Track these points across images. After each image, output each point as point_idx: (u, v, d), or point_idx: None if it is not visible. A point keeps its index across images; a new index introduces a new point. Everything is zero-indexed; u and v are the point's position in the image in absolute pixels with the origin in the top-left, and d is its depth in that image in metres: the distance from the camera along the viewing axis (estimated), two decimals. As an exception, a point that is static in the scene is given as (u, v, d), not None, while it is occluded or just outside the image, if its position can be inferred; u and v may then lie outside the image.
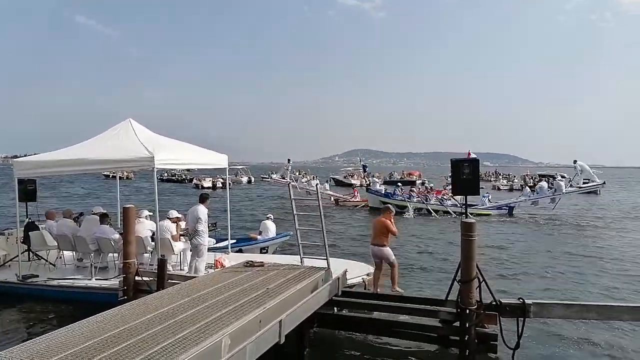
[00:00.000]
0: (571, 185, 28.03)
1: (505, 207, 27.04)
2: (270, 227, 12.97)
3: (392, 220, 8.78)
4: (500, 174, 74.60)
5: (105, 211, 10.29)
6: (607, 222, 23.84)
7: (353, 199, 32.56)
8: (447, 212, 26.11)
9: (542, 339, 7.36)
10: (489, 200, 27.76)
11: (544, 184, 29.96)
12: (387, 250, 8.46)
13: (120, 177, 14.95)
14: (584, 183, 28.86)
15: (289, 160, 43.23)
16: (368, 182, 61.70)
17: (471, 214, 25.39)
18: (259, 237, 12.86)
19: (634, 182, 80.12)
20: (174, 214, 9.74)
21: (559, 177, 38.87)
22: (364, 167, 46.84)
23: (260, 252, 11.86)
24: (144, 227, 9.22)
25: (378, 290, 8.18)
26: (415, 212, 26.01)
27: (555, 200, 27.05)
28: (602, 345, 7.19)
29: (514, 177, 66.02)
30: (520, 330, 6.46)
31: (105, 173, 58.96)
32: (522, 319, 6.49)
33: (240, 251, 11.31)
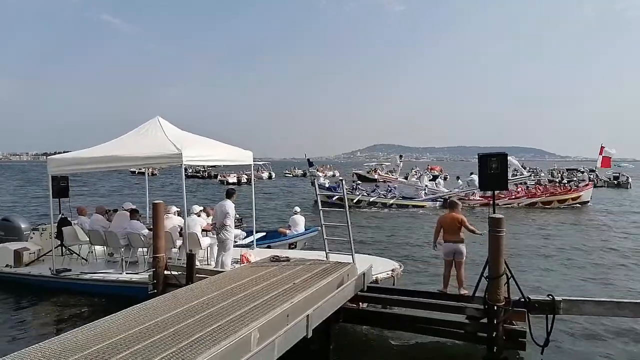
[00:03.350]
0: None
1: (440, 199, 27.70)
2: (299, 222, 12.95)
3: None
4: (526, 168, 73.03)
5: (135, 207, 10.53)
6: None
7: (472, 197, 29.74)
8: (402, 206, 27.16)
9: (571, 336, 7.23)
10: (425, 193, 29.28)
11: (475, 176, 29.84)
12: (463, 246, 7.98)
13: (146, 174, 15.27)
14: (512, 176, 28.94)
15: (400, 156, 42.36)
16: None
17: (406, 205, 26.92)
18: (288, 231, 12.87)
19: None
20: (196, 209, 9.91)
21: (586, 170, 38.09)
22: (309, 161, 44.98)
23: (289, 248, 11.91)
24: (173, 222, 9.41)
25: (445, 289, 7.96)
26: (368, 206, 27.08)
27: (486, 192, 26.79)
28: (634, 343, 7.01)
29: (541, 170, 64.54)
30: (549, 327, 6.36)
31: (132, 169, 60.46)
32: (552, 315, 6.38)
33: (269, 247, 11.34)
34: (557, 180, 50.26)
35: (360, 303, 7.39)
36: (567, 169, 59.37)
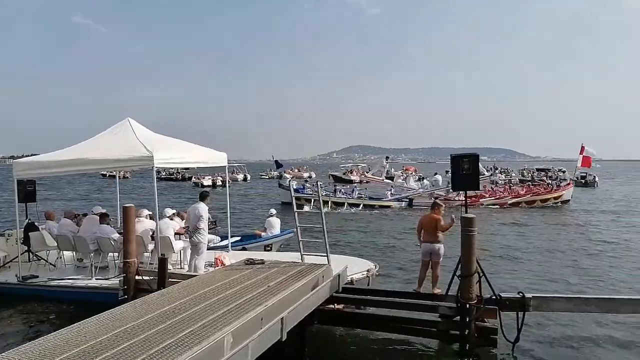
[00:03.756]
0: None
1: (405, 200, 28.36)
2: (275, 224, 12.91)
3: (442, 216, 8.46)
4: (498, 169, 74.59)
5: (104, 211, 10.28)
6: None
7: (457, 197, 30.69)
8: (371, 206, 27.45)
9: (542, 332, 7.39)
10: (391, 193, 29.80)
11: (439, 177, 31.08)
12: (441, 247, 8.13)
13: (117, 177, 14.92)
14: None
15: (387, 157, 42.41)
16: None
17: (372, 205, 27.28)
18: (263, 234, 12.83)
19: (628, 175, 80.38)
20: (168, 212, 9.75)
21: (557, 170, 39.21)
22: (277, 162, 44.96)
23: (265, 250, 11.85)
24: (144, 226, 9.23)
25: (420, 289, 8.02)
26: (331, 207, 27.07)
27: (451, 191, 27.59)
28: (602, 337, 7.22)
29: (512, 171, 66.00)
30: (520, 324, 6.50)
31: (102, 172, 59.16)
32: (522, 312, 6.53)
33: (244, 249, 11.30)
34: (528, 179, 51.57)
35: (336, 304, 7.40)
36: (537, 169, 60.90)
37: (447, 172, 31.35)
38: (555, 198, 28.19)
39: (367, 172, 48.75)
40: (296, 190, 29.85)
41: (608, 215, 24.12)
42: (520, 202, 27.69)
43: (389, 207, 27.64)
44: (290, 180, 33.39)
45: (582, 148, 27.14)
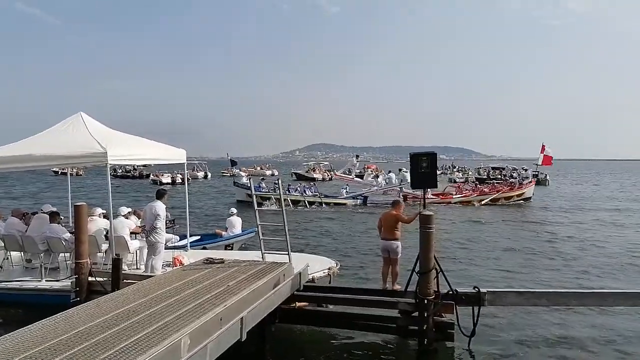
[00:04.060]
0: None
1: (360, 197, 29.10)
2: (236, 223, 12.73)
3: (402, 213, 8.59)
4: (455, 167, 76.84)
5: (55, 209, 9.84)
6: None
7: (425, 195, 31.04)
8: (311, 203, 27.76)
9: (497, 325, 7.65)
10: (346, 192, 30.40)
11: (393, 175, 32.08)
12: (397, 244, 8.14)
13: (70, 174, 14.27)
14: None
15: (357, 155, 42.15)
16: (330, 177, 62.08)
17: (328, 203, 27.79)
18: (224, 233, 12.63)
19: (576, 174, 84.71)
20: (124, 210, 9.44)
21: (511, 168, 40.64)
22: (232, 161, 44.97)
23: (225, 249, 11.65)
24: (97, 225, 8.89)
25: (387, 286, 8.07)
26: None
27: (403, 189, 28.78)
28: (554, 329, 7.55)
29: (469, 169, 68.12)
30: (475, 318, 6.69)
31: (54, 170, 56.61)
32: (478, 307, 6.72)
33: (204, 249, 11.06)
34: (484, 177, 53.30)
35: (297, 302, 7.38)
36: (493, 167, 63.08)
37: (389, 171, 32.17)
38: (518, 195, 29.41)
39: (337, 171, 49.15)
40: (255, 189, 29.83)
41: (563, 211, 25.48)
42: (484, 199, 28.67)
43: (344, 204, 28.05)
44: (246, 178, 33.35)
45: (543, 147, 28.31)
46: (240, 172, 42.23)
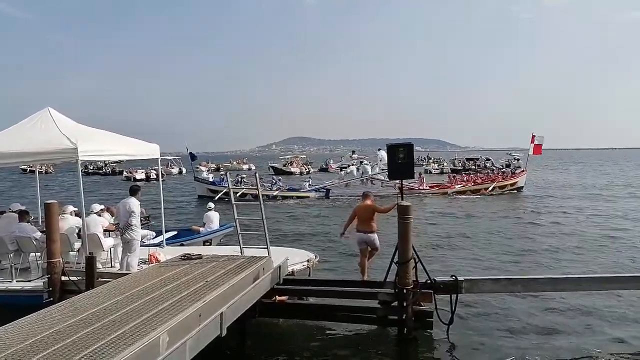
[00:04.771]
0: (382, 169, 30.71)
1: (322, 190, 29.51)
2: (214, 218, 12.55)
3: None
4: (431, 158, 77.79)
5: (24, 208, 9.53)
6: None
7: (421, 186, 30.62)
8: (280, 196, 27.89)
9: (475, 312, 7.79)
10: (309, 184, 31.17)
11: (354, 168, 32.63)
12: (376, 236, 8.23)
13: (39, 171, 13.82)
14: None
15: (353, 151, 41.87)
16: (308, 170, 61.94)
17: (291, 196, 28.02)
18: (202, 229, 12.42)
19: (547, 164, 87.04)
20: (96, 207, 9.21)
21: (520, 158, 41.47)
22: (191, 155, 44.41)
23: (204, 245, 11.48)
24: (69, 223, 8.65)
25: (366, 277, 8.09)
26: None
27: (364, 182, 29.56)
28: (531, 315, 7.71)
29: (444, 160, 69.07)
30: (453, 306, 6.80)
31: (22, 167, 54.83)
32: (455, 295, 6.83)
33: (182, 245, 10.82)
34: (459, 168, 54.14)
35: (277, 296, 7.35)
36: (467, 159, 64.15)
37: (361, 162, 32.50)
38: (511, 185, 30.13)
39: (333, 165, 49.09)
40: (212, 183, 29.70)
41: (546, 199, 26.57)
42: (480, 190, 29.25)
43: (307, 197, 28.27)
44: (206, 173, 33.09)
45: (533, 137, 28.95)
46: (201, 167, 41.96)
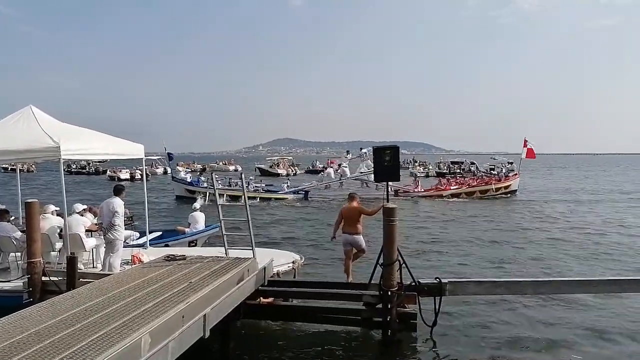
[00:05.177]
0: (361, 172, 30.96)
1: (301, 192, 29.72)
2: (199, 219, 12.43)
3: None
4: (417, 162, 78.26)
5: (4, 207, 9.37)
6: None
7: (416, 189, 31.13)
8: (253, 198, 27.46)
9: (459, 315, 7.84)
10: (287, 186, 31.01)
11: (331, 170, 32.78)
12: (361, 238, 8.24)
13: (20, 170, 13.56)
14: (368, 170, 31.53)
15: (347, 152, 41.76)
16: (294, 172, 61.82)
17: (269, 198, 27.92)
18: (187, 229, 12.29)
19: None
20: (78, 207, 9.08)
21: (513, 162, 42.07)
22: (169, 155, 43.85)
23: (189, 246, 11.37)
24: (51, 223, 8.50)
25: (351, 279, 8.08)
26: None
27: (343, 184, 30.07)
28: (513, 317, 7.82)
29: (429, 164, 69.57)
30: (437, 308, 6.85)
31: (3, 165, 53.79)
32: (439, 297, 6.88)
33: (167, 246, 10.70)
34: (444, 172, 54.60)
35: (262, 298, 7.32)
36: (452, 162, 64.70)
37: (339, 165, 32.71)
38: (505, 187, 30.58)
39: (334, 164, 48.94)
40: (190, 183, 29.53)
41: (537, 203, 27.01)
42: (474, 192, 29.62)
43: (284, 199, 28.24)
44: (184, 173, 32.85)
45: (525, 141, 29.37)
46: (178, 167, 41.77)
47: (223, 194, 25.53)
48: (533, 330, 7.28)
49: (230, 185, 28.85)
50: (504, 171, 36.88)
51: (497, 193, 29.97)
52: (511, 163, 40.82)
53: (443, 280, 6.93)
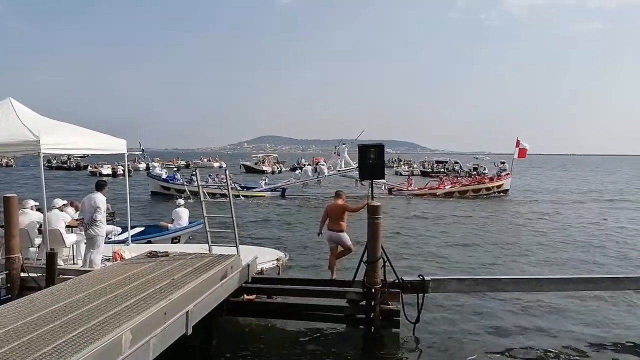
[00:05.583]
0: (339, 170, 31.72)
1: (279, 189, 29.84)
2: (183, 214, 12.31)
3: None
4: (402, 160, 78.78)
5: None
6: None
7: (409, 187, 31.24)
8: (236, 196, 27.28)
9: (442, 311, 7.93)
10: (265, 183, 31.13)
11: (309, 167, 33.18)
12: (345, 236, 8.14)
13: (-1, 164, 13.26)
14: (346, 167, 32.11)
15: (336, 147, 41.34)
16: (279, 169, 61.60)
17: (245, 196, 27.59)
18: (170, 225, 12.16)
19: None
20: (58, 202, 8.92)
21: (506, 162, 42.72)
22: (143, 151, 43.42)
23: (172, 242, 11.24)
24: (30, 218, 8.33)
25: (335, 276, 8.06)
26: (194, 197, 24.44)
27: (320, 182, 30.55)
28: (493, 314, 7.94)
29: (414, 163, 70.09)
30: (420, 305, 6.91)
31: (-19, 160, 52.60)
32: (422, 294, 6.94)
33: (149, 242, 10.56)
34: (429, 171, 55.08)
35: (245, 295, 7.29)
36: (436, 161, 65.29)
37: (317, 163, 32.85)
38: (497, 187, 30.87)
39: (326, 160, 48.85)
40: (166, 180, 29.34)
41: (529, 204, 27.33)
42: (467, 191, 29.88)
43: (262, 196, 28.16)
44: (159, 169, 32.59)
45: (517, 141, 29.71)
46: (154, 163, 41.41)
47: (197, 192, 24.75)
48: (515, 327, 7.39)
49: (189, 182, 27.55)
50: (495, 171, 37.36)
51: (490, 192, 30.28)
52: (503, 163, 41.40)
53: (426, 278, 6.99)
